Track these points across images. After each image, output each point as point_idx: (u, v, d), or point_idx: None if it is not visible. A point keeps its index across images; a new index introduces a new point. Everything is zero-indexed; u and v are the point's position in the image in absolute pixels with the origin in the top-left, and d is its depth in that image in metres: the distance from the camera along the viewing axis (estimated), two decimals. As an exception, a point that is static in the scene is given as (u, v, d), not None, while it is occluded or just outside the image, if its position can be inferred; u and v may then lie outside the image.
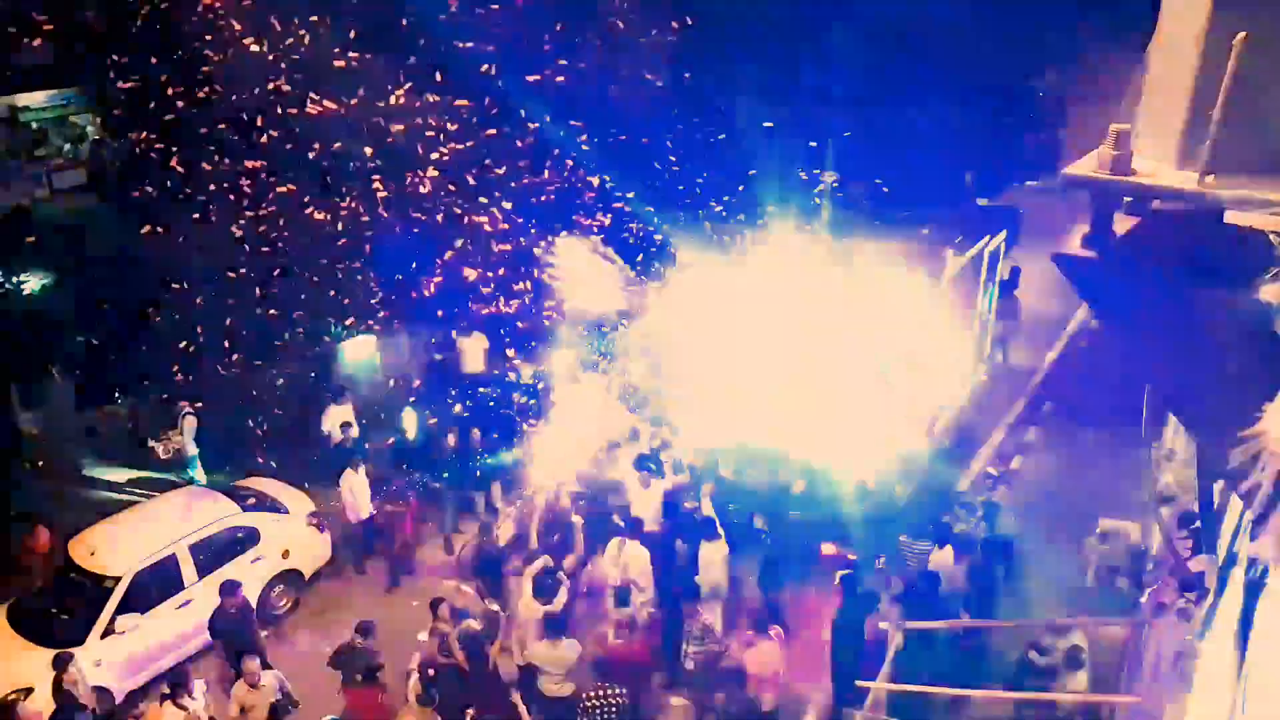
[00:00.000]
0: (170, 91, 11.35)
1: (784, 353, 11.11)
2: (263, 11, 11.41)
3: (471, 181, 12.19)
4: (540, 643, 7.98)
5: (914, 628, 8.01)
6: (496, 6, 12.02)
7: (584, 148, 12.49)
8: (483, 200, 12.40)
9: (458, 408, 12.58)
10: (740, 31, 14.43)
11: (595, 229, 12.59)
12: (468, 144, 12.23)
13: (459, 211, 12.59)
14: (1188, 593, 5.83)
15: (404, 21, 11.96)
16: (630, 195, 12.66)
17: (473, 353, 13.55)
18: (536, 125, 12.57)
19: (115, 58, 11.74)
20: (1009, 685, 8.14)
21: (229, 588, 8.70)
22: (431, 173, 11.83)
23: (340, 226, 12.23)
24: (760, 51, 14.21)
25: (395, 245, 12.56)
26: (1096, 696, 7.46)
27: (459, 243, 13.59)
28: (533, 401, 12.42)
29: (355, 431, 11.72)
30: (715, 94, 12.95)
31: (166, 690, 7.86)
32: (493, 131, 12.36)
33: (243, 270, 12.01)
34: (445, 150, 12.10)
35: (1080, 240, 2.69)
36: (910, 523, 9.55)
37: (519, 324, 12.98)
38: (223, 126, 11.71)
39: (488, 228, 12.63)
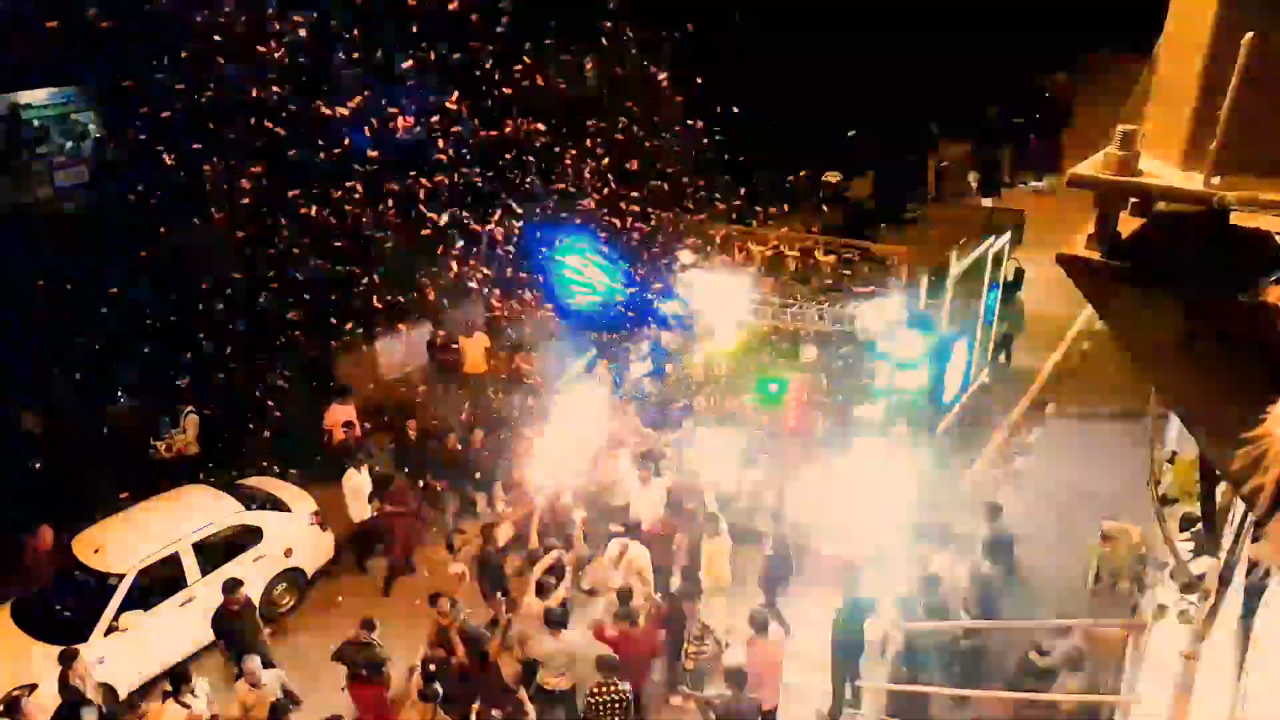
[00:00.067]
0: (173, 89, 11.36)
1: (785, 351, 11.12)
2: (265, 8, 11.43)
3: (475, 180, 12.20)
4: (541, 636, 8.01)
5: (914, 628, 8.02)
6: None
7: (588, 147, 12.50)
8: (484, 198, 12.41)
9: (459, 407, 12.59)
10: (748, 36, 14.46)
11: (597, 227, 12.59)
12: (469, 142, 12.24)
13: (461, 210, 12.60)
14: (1188, 595, 5.83)
15: (410, 20, 11.97)
16: (633, 195, 12.66)
17: (474, 352, 13.57)
18: (539, 124, 12.59)
19: (117, 54, 11.75)
20: (1009, 686, 8.15)
21: (231, 585, 8.72)
22: (439, 178, 11.84)
23: (342, 225, 12.25)
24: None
25: (398, 244, 12.58)
26: (1097, 698, 7.46)
27: (460, 244, 13.62)
28: (535, 401, 12.42)
29: (357, 431, 11.73)
30: (720, 96, 12.95)
31: (168, 688, 7.88)
32: (495, 131, 12.37)
33: (245, 268, 12.03)
34: (448, 149, 12.11)
35: (1085, 241, 2.68)
36: (911, 524, 9.55)
37: (522, 323, 12.99)
38: (225, 125, 11.72)
39: (491, 227, 12.65)
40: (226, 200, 11.69)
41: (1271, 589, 4.59)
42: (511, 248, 12.56)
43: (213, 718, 7.91)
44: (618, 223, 12.53)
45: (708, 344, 11.54)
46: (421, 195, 12.26)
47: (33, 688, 8.16)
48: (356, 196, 12.14)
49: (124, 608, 8.95)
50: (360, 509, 10.70)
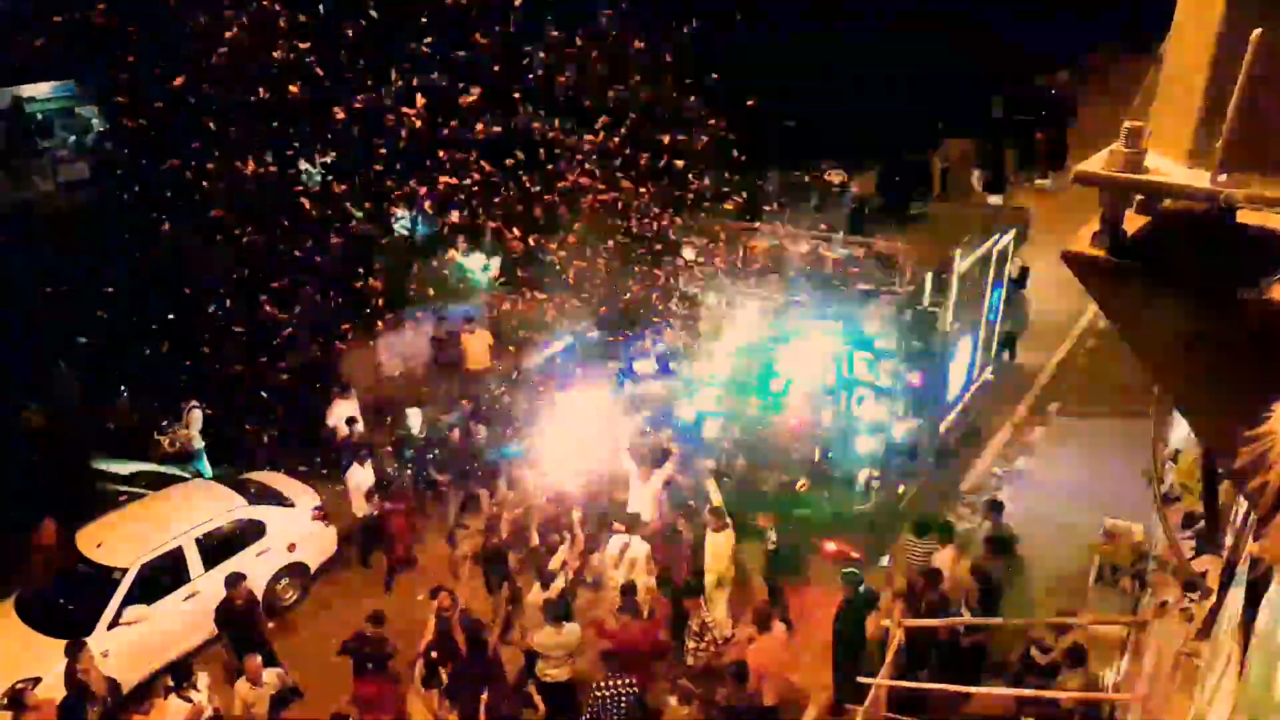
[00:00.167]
0: (175, 84, 11.36)
1: (788, 351, 11.11)
2: (268, 5, 11.42)
3: (478, 176, 12.19)
4: (542, 629, 8.04)
5: (916, 625, 8.02)
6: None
7: (593, 144, 12.49)
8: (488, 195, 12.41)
9: (462, 403, 12.61)
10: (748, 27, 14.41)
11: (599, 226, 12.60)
12: (472, 139, 12.23)
13: (464, 207, 12.60)
14: (1190, 592, 5.83)
15: (416, 16, 11.96)
16: (637, 191, 12.65)
17: (477, 348, 13.57)
18: (542, 120, 12.58)
19: (120, 48, 11.75)
20: (1010, 683, 8.16)
21: (234, 580, 8.75)
22: (446, 180, 11.83)
23: (345, 221, 12.26)
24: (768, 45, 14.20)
25: (400, 240, 12.59)
26: (1098, 695, 7.47)
27: (461, 240, 13.63)
28: (537, 397, 12.44)
29: (360, 426, 11.75)
30: (725, 92, 12.94)
31: (170, 683, 7.92)
32: (498, 128, 12.36)
33: (248, 264, 12.04)
34: (450, 147, 12.11)
35: (1090, 239, 2.68)
36: (914, 521, 9.56)
37: (525, 320, 13.00)
38: (227, 121, 11.72)
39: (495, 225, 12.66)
40: (228, 196, 11.68)
41: (1274, 587, 4.58)
42: (515, 243, 12.55)
43: (215, 712, 7.94)
44: (621, 219, 12.53)
45: (712, 341, 11.54)
46: (424, 192, 12.27)
47: (37, 681, 8.19)
48: (360, 192, 12.16)
49: (127, 602, 8.98)
50: (363, 504, 10.72)
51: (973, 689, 7.87)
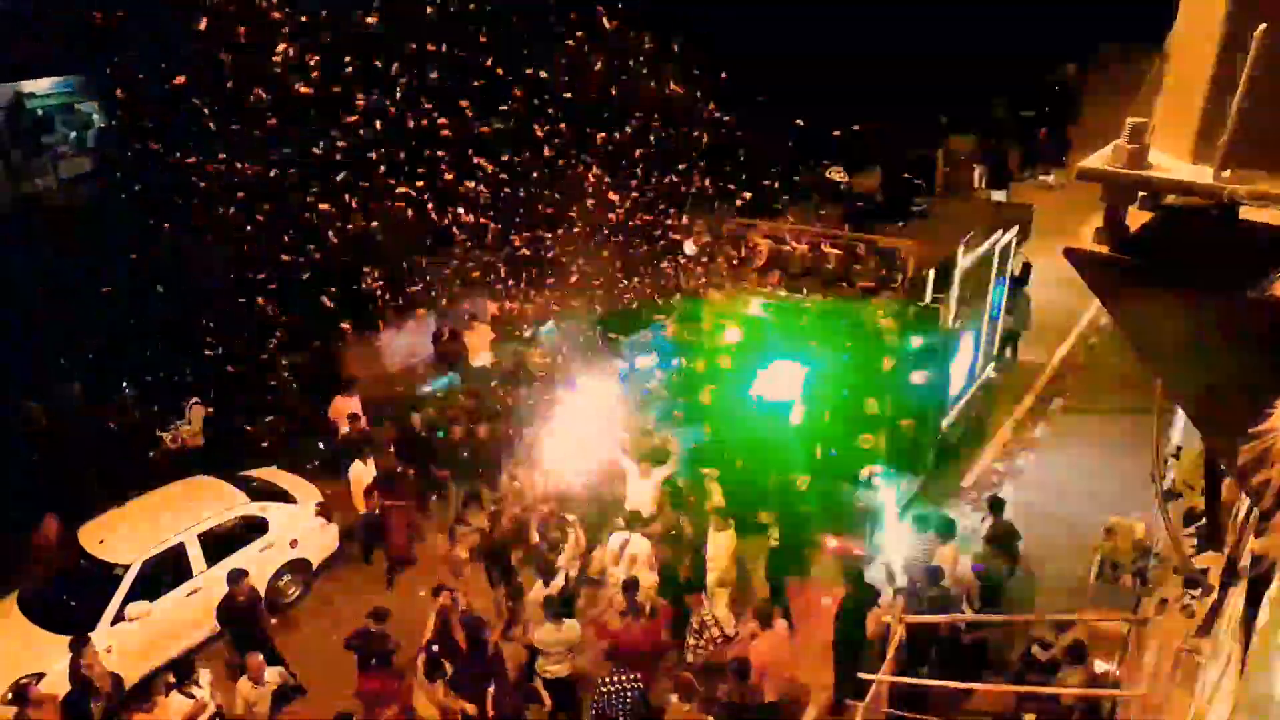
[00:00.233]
0: (176, 80, 11.35)
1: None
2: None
3: (481, 173, 12.19)
4: (543, 625, 8.06)
5: (917, 621, 8.02)
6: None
7: (596, 140, 12.48)
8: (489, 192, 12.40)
9: (463, 400, 12.62)
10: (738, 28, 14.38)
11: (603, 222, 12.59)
12: (474, 135, 12.23)
13: (466, 204, 12.59)
14: (1191, 589, 5.83)
15: (417, 12, 11.93)
16: (640, 186, 12.64)
17: (478, 344, 13.59)
18: (547, 116, 12.56)
19: (120, 45, 11.76)
20: (1011, 679, 8.16)
21: (236, 576, 8.76)
22: (448, 177, 11.83)
23: (347, 217, 12.26)
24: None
25: (402, 236, 12.58)
26: (1098, 691, 7.47)
27: (464, 237, 13.62)
28: (539, 393, 12.44)
29: (362, 423, 11.76)
30: (727, 88, 12.91)
31: (172, 680, 7.94)
32: (500, 125, 12.36)
33: (249, 260, 12.04)
34: (452, 144, 12.10)
35: (1093, 235, 2.67)
36: (915, 517, 9.56)
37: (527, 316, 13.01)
38: (228, 117, 11.71)
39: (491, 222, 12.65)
40: (230, 192, 11.69)
41: (1275, 585, 4.58)
42: (517, 240, 12.56)
43: (217, 709, 7.96)
44: (624, 215, 12.52)
45: (713, 338, 11.51)
46: (426, 188, 12.26)
47: (40, 676, 8.22)
48: (362, 188, 12.15)
49: (130, 598, 9.01)
50: (360, 502, 10.73)
51: (974, 685, 7.87)
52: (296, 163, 12.33)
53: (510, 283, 13.43)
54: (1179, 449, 8.56)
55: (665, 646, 8.69)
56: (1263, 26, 2.15)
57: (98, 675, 7.92)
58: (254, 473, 11.20)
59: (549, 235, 12.61)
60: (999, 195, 18.24)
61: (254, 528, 10.06)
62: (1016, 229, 12.53)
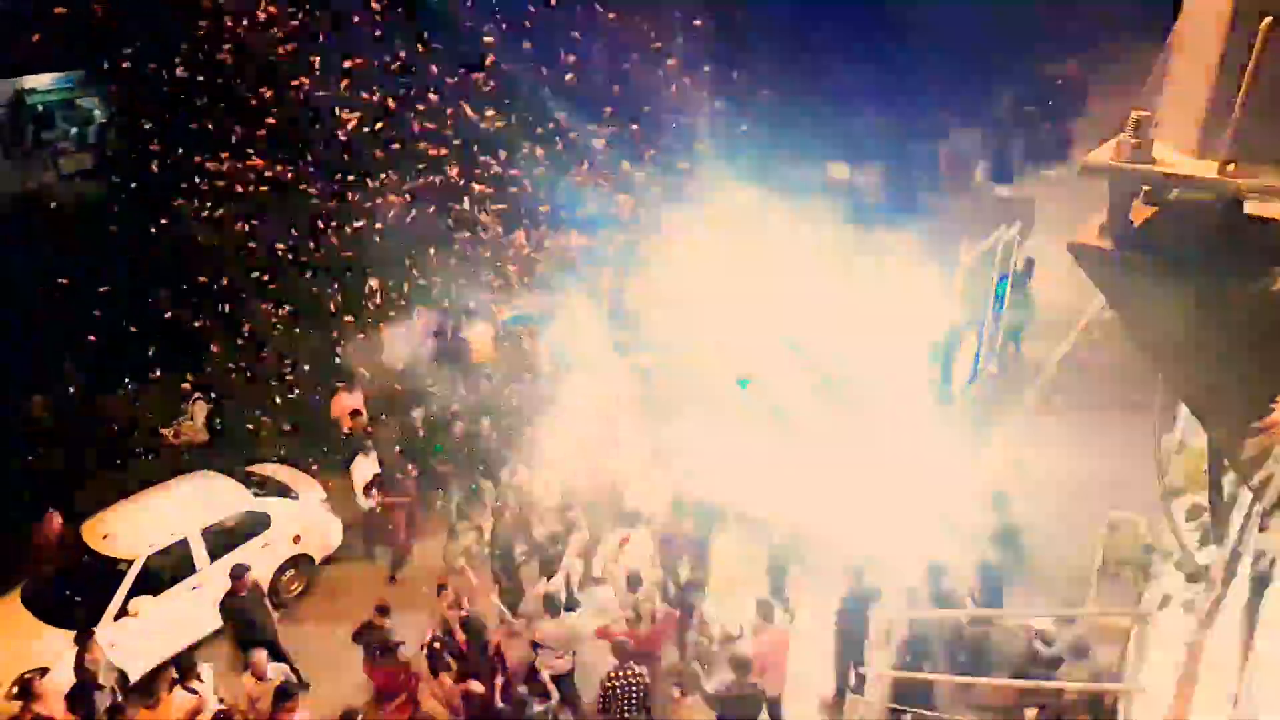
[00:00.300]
0: (177, 75, 11.36)
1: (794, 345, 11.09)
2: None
3: (484, 170, 12.18)
4: (544, 620, 8.10)
5: (920, 616, 8.03)
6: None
7: (600, 135, 12.47)
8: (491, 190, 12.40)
9: (465, 396, 12.62)
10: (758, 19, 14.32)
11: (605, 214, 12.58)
12: (476, 130, 12.21)
13: (469, 200, 12.59)
14: (1194, 585, 5.82)
15: (416, 8, 11.93)
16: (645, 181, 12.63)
17: (480, 341, 13.58)
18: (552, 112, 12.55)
19: (122, 39, 11.75)
20: (1013, 674, 8.17)
21: (239, 571, 8.78)
22: (453, 172, 11.83)
23: (349, 213, 12.26)
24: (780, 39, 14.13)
25: (404, 232, 12.57)
26: (1101, 686, 7.47)
27: (466, 234, 13.62)
28: (541, 390, 12.44)
29: (365, 419, 11.77)
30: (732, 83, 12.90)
31: (175, 675, 7.96)
32: (501, 124, 12.34)
33: (251, 256, 12.06)
34: (455, 139, 12.10)
35: (1097, 230, 2.67)
36: (918, 512, 9.55)
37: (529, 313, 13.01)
38: (230, 113, 11.72)
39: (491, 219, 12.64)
40: (231, 188, 11.70)
41: (1278, 579, 4.57)
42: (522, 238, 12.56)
43: (219, 702, 7.98)
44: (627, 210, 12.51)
45: (717, 333, 11.51)
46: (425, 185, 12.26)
47: (44, 671, 8.24)
48: (364, 181, 12.15)
49: (133, 593, 9.03)
50: (361, 498, 10.74)
51: (975, 680, 7.88)
52: (298, 159, 12.34)
53: (512, 278, 13.42)
54: (1182, 444, 8.55)
55: (667, 643, 8.70)
56: (1268, 20, 2.14)
57: (102, 670, 7.95)
58: (256, 468, 11.22)
59: (551, 231, 12.60)
60: (1002, 191, 18.19)
61: (257, 523, 10.08)
62: (1019, 223, 12.50)
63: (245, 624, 8.77)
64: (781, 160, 13.30)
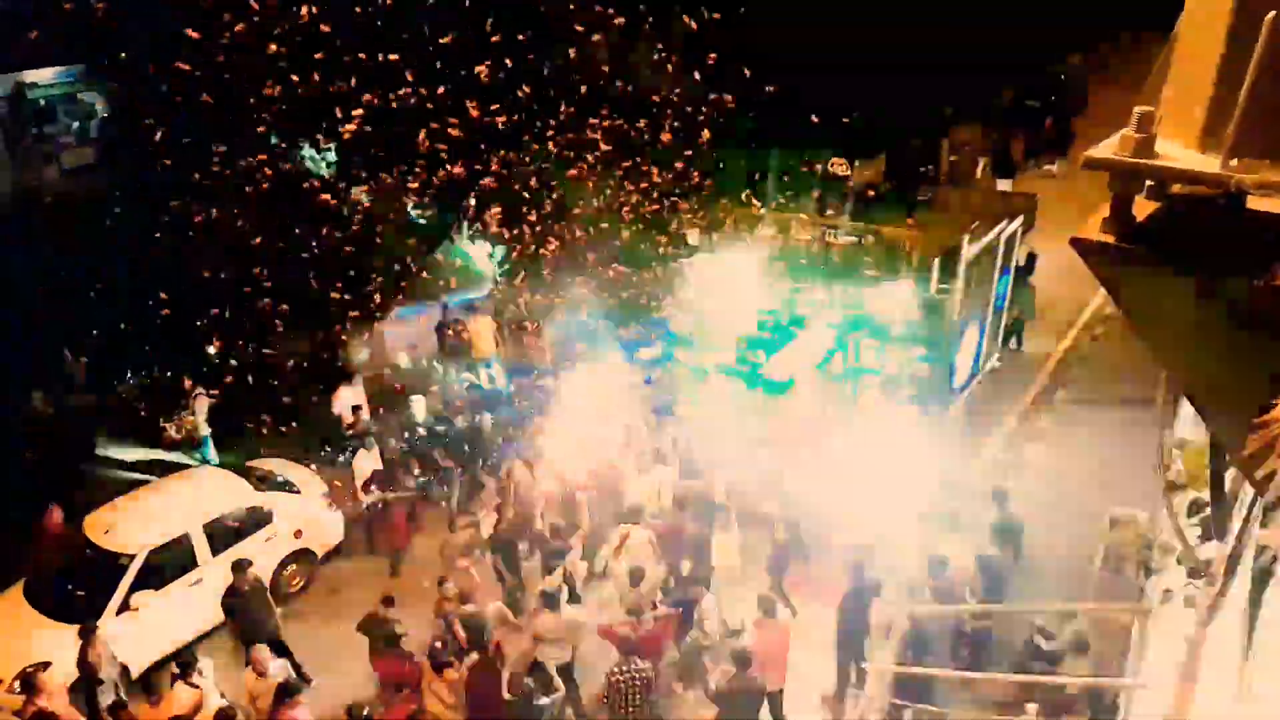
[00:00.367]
0: (178, 68, 11.33)
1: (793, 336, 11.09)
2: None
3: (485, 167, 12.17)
4: (544, 615, 8.13)
5: (921, 611, 8.04)
6: None
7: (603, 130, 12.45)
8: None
9: (467, 391, 12.63)
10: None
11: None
12: (479, 125, 12.19)
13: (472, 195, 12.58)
14: (1195, 580, 5.83)
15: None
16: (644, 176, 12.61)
17: (483, 335, 13.58)
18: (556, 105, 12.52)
19: (123, 33, 11.73)
20: (1014, 669, 8.17)
21: (241, 566, 8.80)
22: (454, 171, 11.81)
23: (350, 207, 12.26)
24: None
25: (405, 227, 12.57)
26: (1102, 681, 7.48)
27: (468, 228, 13.62)
28: (543, 385, 12.45)
29: (366, 414, 11.78)
30: (733, 77, 12.86)
31: (176, 670, 7.99)
32: (503, 117, 12.31)
33: (251, 252, 12.05)
34: (457, 133, 12.07)
35: (1100, 225, 2.66)
36: (920, 507, 9.56)
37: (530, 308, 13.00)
38: (232, 108, 11.70)
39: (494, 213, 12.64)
40: (233, 183, 11.69)
41: (1279, 574, 4.58)
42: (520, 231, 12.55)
43: (221, 697, 7.99)
44: (627, 205, 12.50)
45: (718, 329, 11.51)
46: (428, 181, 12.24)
47: (46, 665, 8.27)
48: (366, 176, 12.14)
49: (135, 588, 9.05)
50: (365, 492, 10.76)
51: (976, 675, 7.89)
52: (300, 153, 12.33)
53: (514, 272, 13.42)
54: (1183, 440, 8.55)
55: (669, 639, 8.72)
56: (1272, 14, 2.13)
57: (104, 664, 7.97)
58: (258, 463, 11.23)
59: (554, 225, 12.59)
60: (1004, 185, 18.15)
61: (258, 518, 10.09)
62: (1021, 219, 12.48)
63: (247, 619, 8.79)
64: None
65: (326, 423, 12.15)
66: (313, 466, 11.41)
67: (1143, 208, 2.66)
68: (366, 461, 10.76)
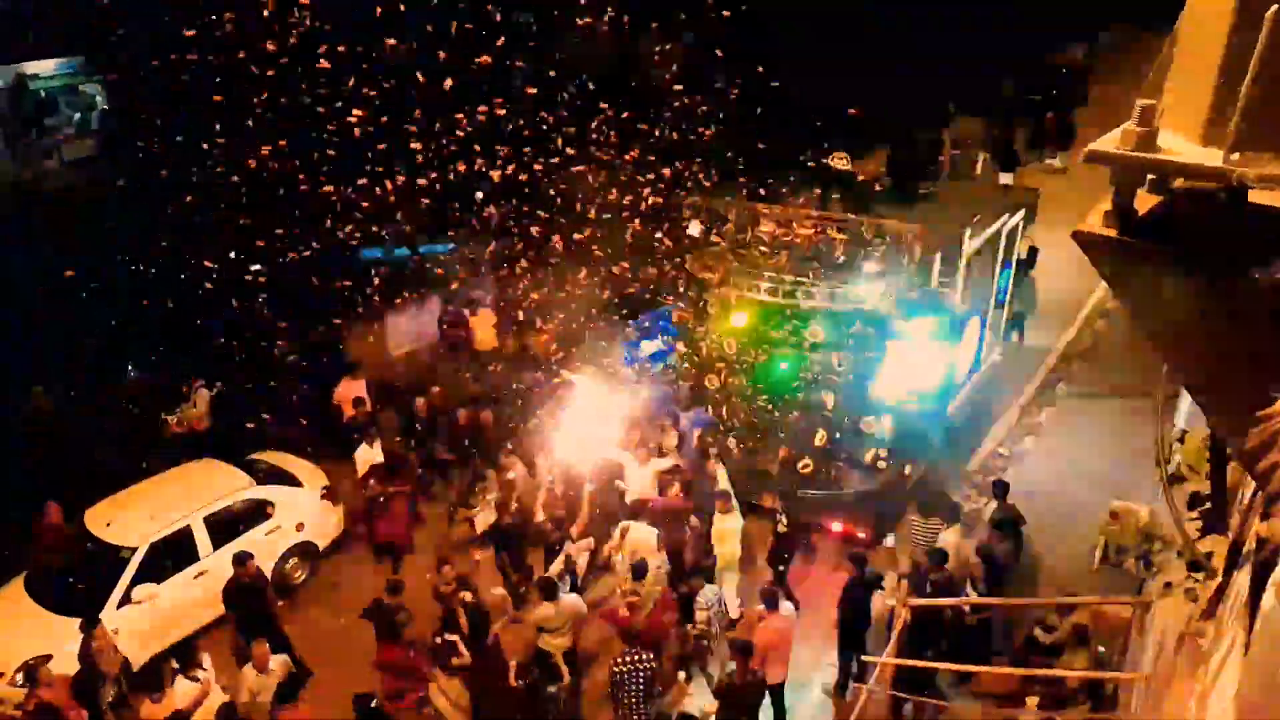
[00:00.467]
0: (180, 61, 11.30)
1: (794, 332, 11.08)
2: None
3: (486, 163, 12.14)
4: (543, 605, 8.20)
5: (921, 604, 8.06)
6: None
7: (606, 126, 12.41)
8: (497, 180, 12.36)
9: (468, 385, 12.63)
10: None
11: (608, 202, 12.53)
12: (480, 122, 12.16)
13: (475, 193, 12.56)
14: (1195, 573, 5.85)
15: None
16: (645, 170, 12.58)
17: (484, 330, 13.59)
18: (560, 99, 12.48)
19: (124, 25, 11.70)
20: (1014, 662, 8.21)
21: (242, 559, 8.81)
22: (464, 171, 11.78)
23: (352, 201, 12.23)
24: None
25: (406, 221, 12.56)
26: (1101, 674, 7.51)
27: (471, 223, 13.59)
28: (544, 378, 12.45)
29: (368, 407, 11.79)
30: (734, 71, 12.81)
31: (177, 665, 8.02)
32: (503, 111, 12.27)
33: (252, 247, 12.04)
34: (460, 129, 12.04)
35: (1102, 218, 2.66)
36: (920, 501, 9.58)
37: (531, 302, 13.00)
38: (231, 102, 11.67)
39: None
40: (234, 176, 11.67)
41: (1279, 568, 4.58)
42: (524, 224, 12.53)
43: (222, 691, 8.03)
44: (630, 197, 12.46)
45: (717, 322, 11.50)
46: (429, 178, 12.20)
47: (47, 658, 8.30)
48: (368, 171, 12.11)
49: (137, 581, 9.06)
50: (367, 485, 10.77)
51: (977, 668, 7.92)
52: (301, 146, 12.29)
53: (515, 267, 13.40)
54: (1184, 433, 8.56)
55: (672, 627, 8.75)
56: (1274, 8, 2.13)
57: (107, 657, 7.99)
58: (260, 456, 11.24)
59: (555, 219, 12.57)
60: (1005, 179, 18.12)
61: (260, 511, 10.11)
62: (1023, 212, 12.46)
63: (249, 612, 8.81)
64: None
65: (328, 416, 12.16)
66: (314, 459, 11.42)
67: (1145, 201, 2.66)
68: (368, 454, 10.77)
